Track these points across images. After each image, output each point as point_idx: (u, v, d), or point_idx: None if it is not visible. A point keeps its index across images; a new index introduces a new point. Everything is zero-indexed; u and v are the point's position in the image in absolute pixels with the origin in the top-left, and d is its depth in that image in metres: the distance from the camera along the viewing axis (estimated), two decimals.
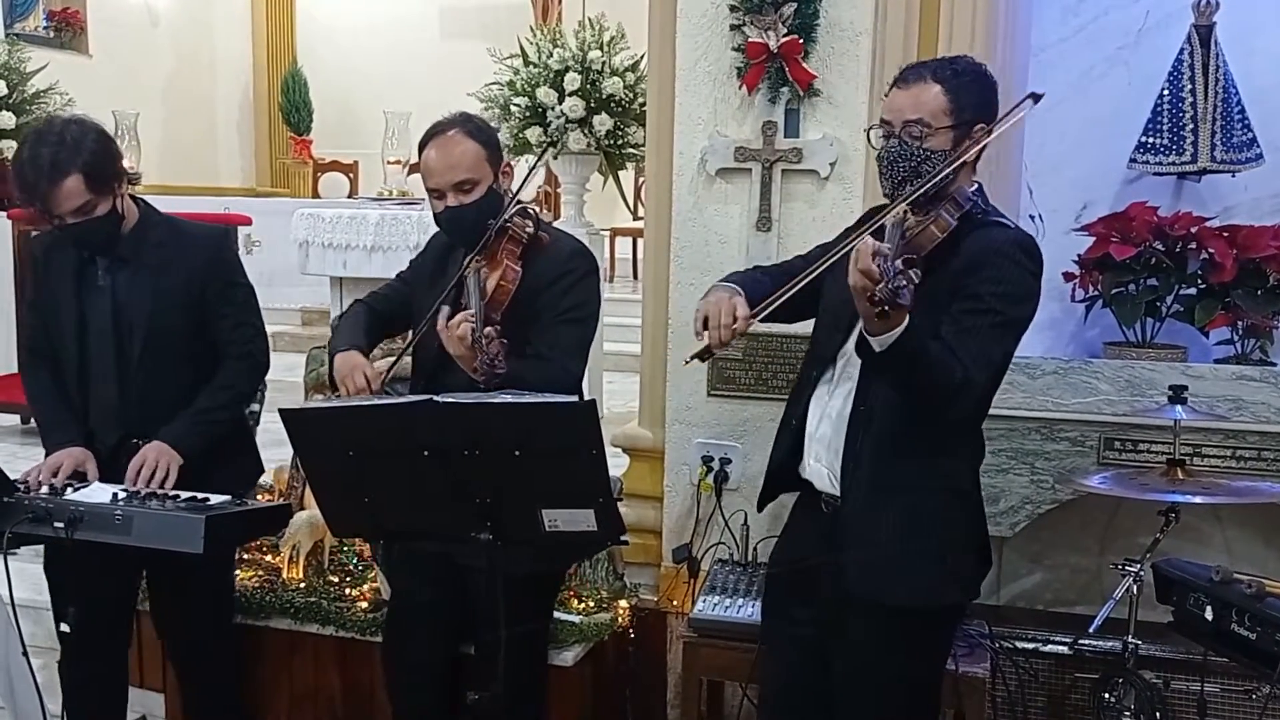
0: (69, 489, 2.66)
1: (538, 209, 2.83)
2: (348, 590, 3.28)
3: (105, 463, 2.78)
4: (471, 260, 2.56)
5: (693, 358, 2.28)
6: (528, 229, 2.63)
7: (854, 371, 2.28)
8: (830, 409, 2.36)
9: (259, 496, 3.33)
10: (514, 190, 2.70)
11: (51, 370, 2.86)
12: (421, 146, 2.68)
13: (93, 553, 2.58)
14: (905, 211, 2.20)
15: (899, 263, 1.90)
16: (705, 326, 2.26)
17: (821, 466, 2.37)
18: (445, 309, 2.54)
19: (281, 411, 2.19)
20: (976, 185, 2.33)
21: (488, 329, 2.33)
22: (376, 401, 2.32)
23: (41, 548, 3.33)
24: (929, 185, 2.18)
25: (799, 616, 2.46)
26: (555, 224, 3.09)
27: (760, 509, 2.65)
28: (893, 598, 2.27)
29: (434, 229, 2.86)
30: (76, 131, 2.64)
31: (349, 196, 9.85)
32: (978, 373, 2.14)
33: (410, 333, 2.76)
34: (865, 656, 2.32)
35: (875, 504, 2.27)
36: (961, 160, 2.22)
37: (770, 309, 2.27)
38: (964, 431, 2.34)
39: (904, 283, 1.88)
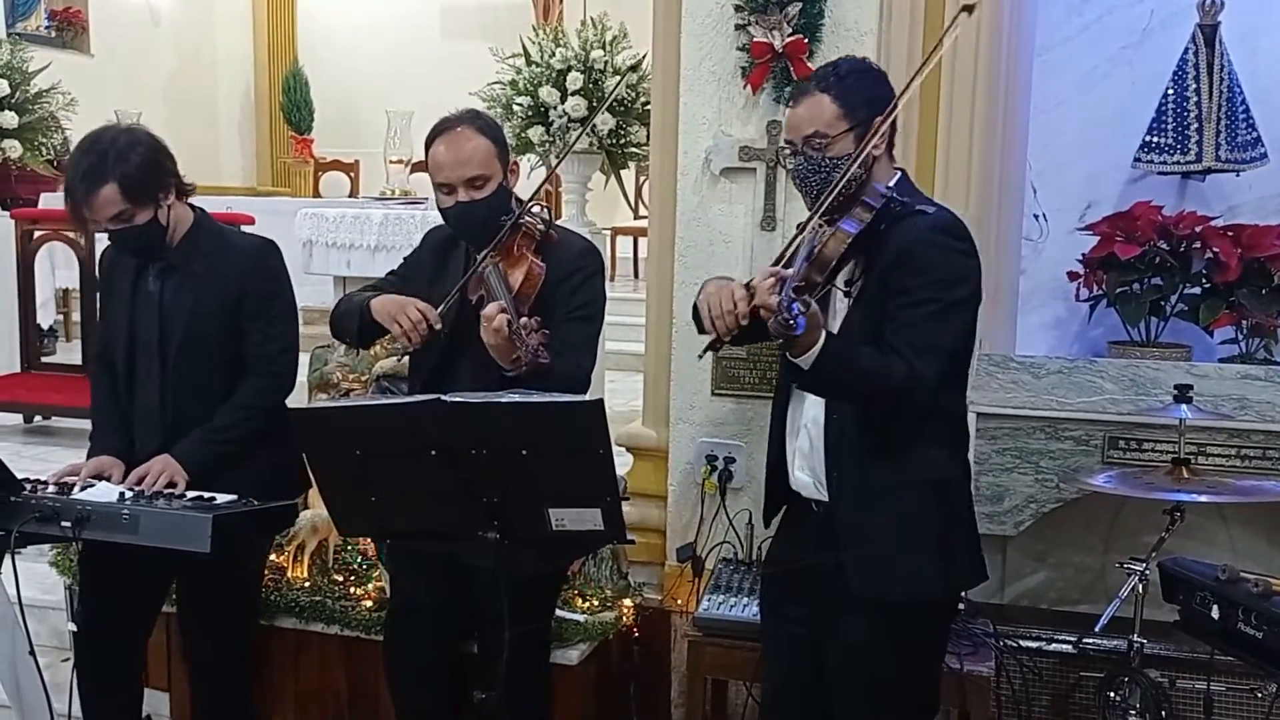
0: (76, 487, 2.66)
1: (549, 207, 2.84)
2: (352, 589, 3.27)
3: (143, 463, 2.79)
4: (487, 256, 2.56)
5: (704, 351, 2.29)
6: (539, 226, 2.64)
7: None
8: (806, 417, 2.38)
9: None
10: (533, 189, 2.72)
11: (109, 377, 2.92)
12: (429, 142, 2.66)
13: (119, 553, 2.60)
14: (821, 225, 2.22)
15: (791, 291, 1.95)
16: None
17: (806, 475, 2.39)
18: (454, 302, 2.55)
19: (289, 411, 2.19)
20: (898, 175, 2.34)
21: (525, 320, 2.33)
22: (384, 401, 2.32)
23: (59, 546, 3.38)
24: (833, 194, 2.20)
25: (794, 616, 2.47)
26: (557, 222, 3.10)
27: (766, 524, 2.64)
28: (889, 596, 2.28)
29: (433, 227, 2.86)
30: (125, 142, 2.69)
31: (350, 196, 9.86)
32: (924, 365, 2.15)
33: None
34: (861, 654, 2.32)
35: (863, 505, 2.29)
36: (862, 156, 2.23)
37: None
38: (940, 421, 2.33)
39: (797, 311, 1.93)
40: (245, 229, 3.10)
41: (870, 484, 2.28)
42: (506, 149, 2.71)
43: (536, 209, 2.65)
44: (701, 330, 2.33)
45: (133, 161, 2.67)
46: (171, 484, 2.72)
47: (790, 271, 1.99)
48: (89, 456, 2.88)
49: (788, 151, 2.37)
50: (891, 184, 2.28)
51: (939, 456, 2.33)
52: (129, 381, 2.88)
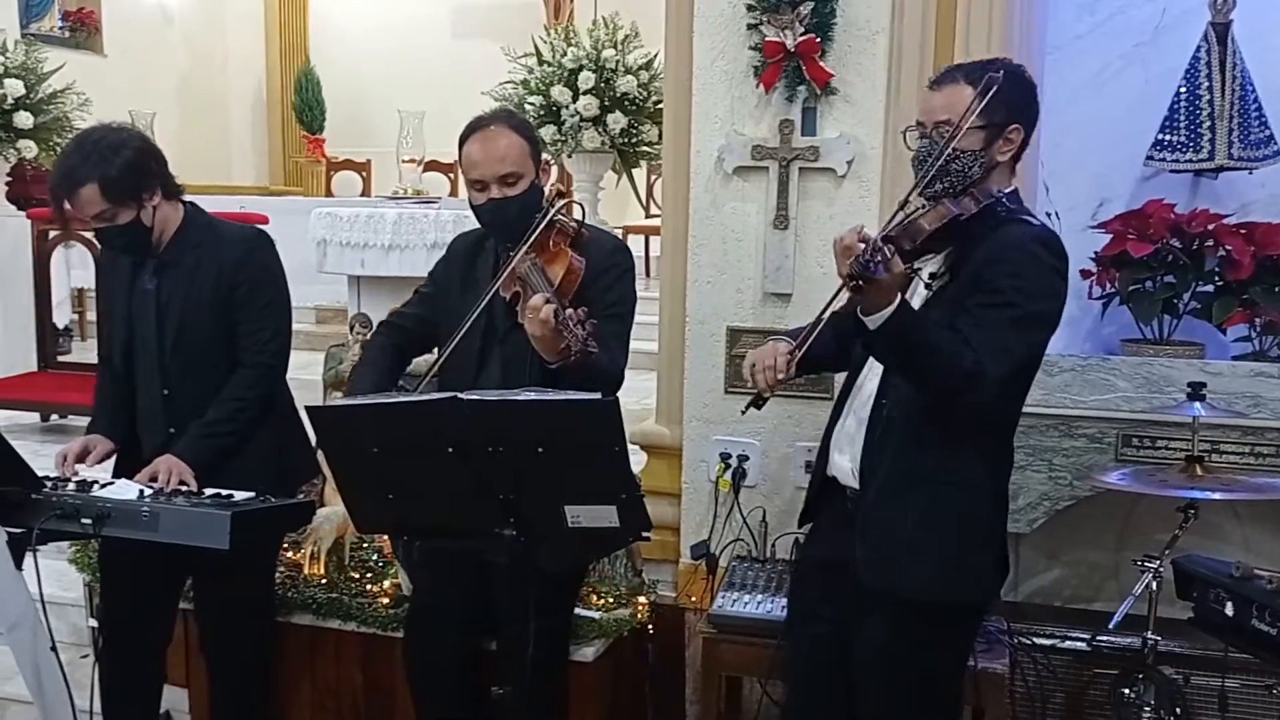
0: (95, 485, 2.69)
1: (583, 206, 2.86)
2: (369, 586, 3.30)
3: (150, 461, 2.82)
4: (521, 252, 2.57)
5: (748, 406, 2.35)
6: (573, 224, 2.66)
7: (879, 367, 2.32)
8: (856, 404, 2.40)
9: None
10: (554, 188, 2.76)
11: (110, 373, 2.98)
12: (463, 139, 2.69)
13: (135, 550, 2.63)
14: (923, 203, 2.22)
15: (878, 239, 1.95)
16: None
17: (844, 460, 2.40)
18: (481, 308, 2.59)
19: (309, 409, 2.21)
20: (1013, 189, 2.33)
21: (570, 311, 2.34)
22: (401, 399, 2.33)
23: (78, 544, 3.41)
24: (932, 170, 2.21)
25: (822, 614, 2.48)
26: None
27: (801, 523, 2.64)
28: (900, 590, 2.29)
29: (453, 230, 2.88)
30: (112, 142, 2.73)
31: (362, 195, 9.88)
32: (991, 363, 2.13)
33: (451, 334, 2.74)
34: (881, 652, 2.34)
35: (890, 495, 2.30)
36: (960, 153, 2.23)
37: (810, 340, 2.30)
38: (987, 432, 2.32)
39: (879, 258, 1.92)
40: (259, 228, 3.12)
41: (901, 474, 2.28)
42: (539, 148, 2.74)
43: (572, 206, 2.68)
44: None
45: (115, 163, 2.70)
46: (183, 481, 2.74)
47: (879, 230, 2.00)
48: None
49: (916, 132, 2.33)
50: (1005, 191, 2.28)
51: (976, 465, 2.31)
52: (130, 379, 2.92)
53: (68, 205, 2.74)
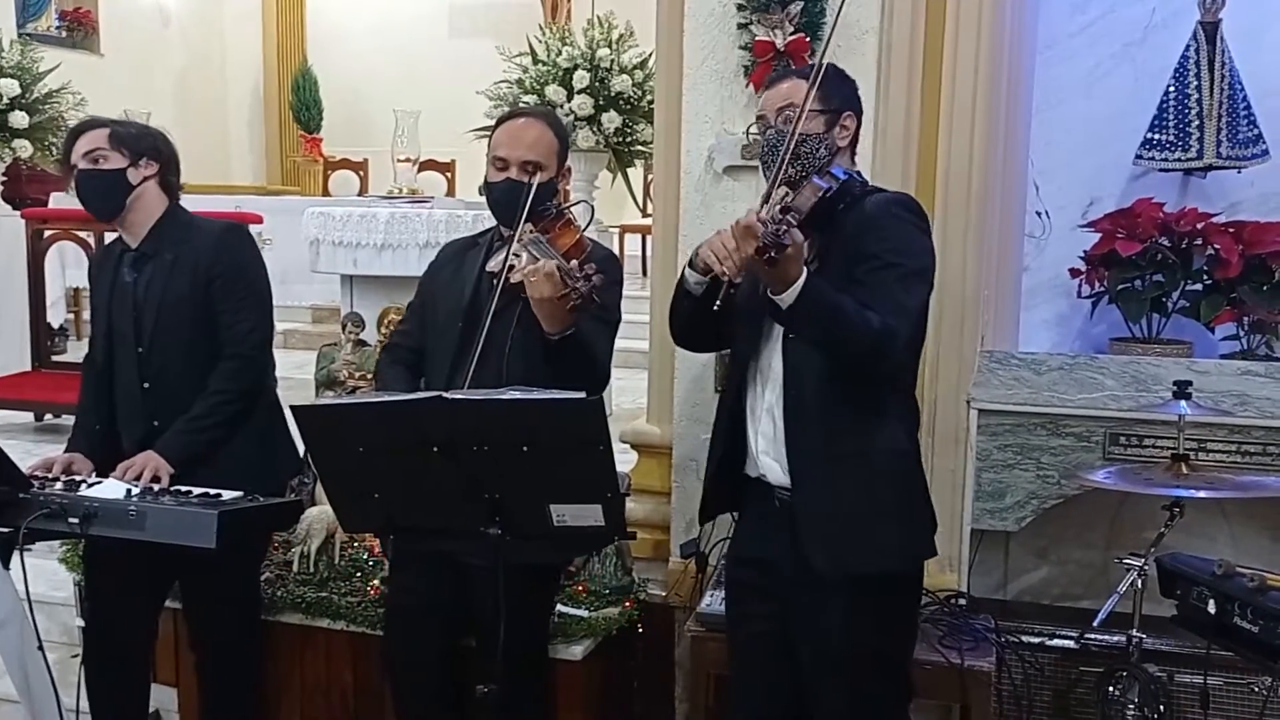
0: (83, 485, 2.70)
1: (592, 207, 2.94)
2: (358, 585, 3.30)
3: (130, 456, 2.83)
4: (522, 228, 2.61)
5: (718, 302, 2.23)
6: (579, 224, 2.70)
7: (778, 363, 2.36)
8: (767, 403, 2.40)
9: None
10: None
11: (92, 375, 3.00)
12: (502, 120, 2.79)
13: (121, 549, 2.64)
14: (785, 191, 2.30)
15: (777, 210, 2.05)
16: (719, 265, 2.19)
17: (772, 461, 2.41)
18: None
19: (293, 408, 2.22)
20: (857, 169, 2.45)
21: (574, 263, 2.41)
22: (386, 398, 2.34)
23: (67, 543, 3.42)
24: (785, 158, 2.28)
25: (759, 611, 2.49)
26: None
27: (704, 520, 2.68)
28: (863, 566, 2.30)
29: (445, 229, 2.89)
30: (140, 124, 2.93)
31: (359, 194, 9.89)
32: (897, 320, 2.21)
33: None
34: (839, 638, 2.34)
35: (825, 478, 2.32)
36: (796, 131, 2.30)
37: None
38: (897, 395, 2.40)
39: (784, 226, 2.00)
40: (254, 228, 3.14)
41: (831, 456, 2.32)
42: (566, 153, 2.83)
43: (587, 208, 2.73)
44: (677, 314, 2.50)
45: (131, 127, 2.85)
46: (156, 479, 2.75)
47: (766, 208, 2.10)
48: (66, 450, 2.95)
49: (757, 127, 2.46)
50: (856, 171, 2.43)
51: (897, 430, 2.38)
52: (109, 372, 2.93)
53: (72, 145, 2.84)
